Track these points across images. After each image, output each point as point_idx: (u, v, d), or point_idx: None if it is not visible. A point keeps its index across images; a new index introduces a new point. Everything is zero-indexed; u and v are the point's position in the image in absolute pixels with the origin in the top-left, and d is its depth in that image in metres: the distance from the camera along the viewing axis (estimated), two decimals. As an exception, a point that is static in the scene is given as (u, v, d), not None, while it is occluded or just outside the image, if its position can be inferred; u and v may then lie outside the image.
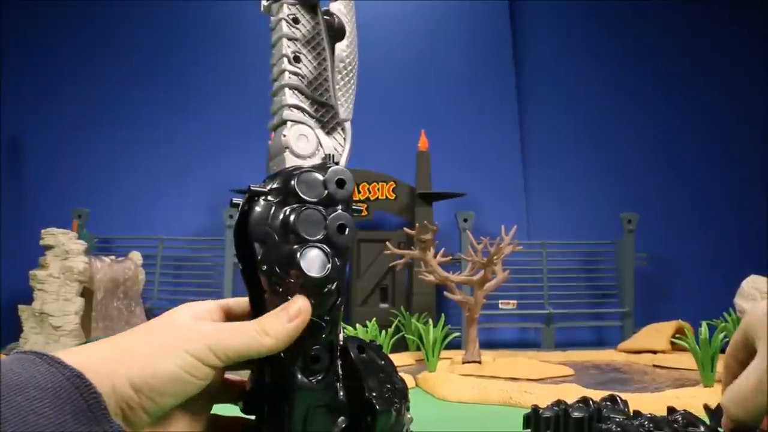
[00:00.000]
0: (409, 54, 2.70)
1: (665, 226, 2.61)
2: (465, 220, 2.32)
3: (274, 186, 0.36)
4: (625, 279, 2.40)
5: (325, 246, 0.35)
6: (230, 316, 0.38)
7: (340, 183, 0.37)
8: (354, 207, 0.38)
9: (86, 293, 1.95)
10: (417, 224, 1.91)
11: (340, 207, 0.37)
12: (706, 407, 0.51)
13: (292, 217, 0.35)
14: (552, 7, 2.79)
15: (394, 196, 2.36)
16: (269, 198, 0.36)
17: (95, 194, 2.45)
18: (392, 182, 2.36)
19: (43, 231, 1.93)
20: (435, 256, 1.85)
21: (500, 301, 2.28)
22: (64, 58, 2.57)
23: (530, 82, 2.75)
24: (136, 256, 2.15)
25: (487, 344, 2.32)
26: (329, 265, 0.35)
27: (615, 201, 2.55)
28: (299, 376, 0.34)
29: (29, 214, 2.42)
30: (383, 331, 1.80)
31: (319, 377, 0.35)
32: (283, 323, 0.33)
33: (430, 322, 1.90)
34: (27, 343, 1.87)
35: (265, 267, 0.34)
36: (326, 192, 0.36)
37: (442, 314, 1.97)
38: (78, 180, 2.49)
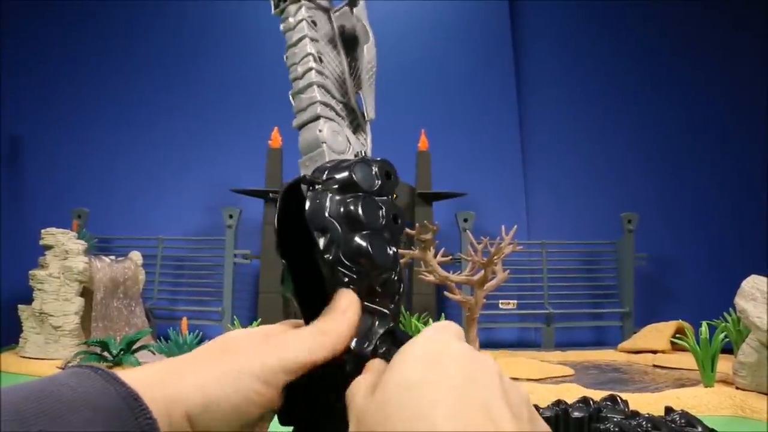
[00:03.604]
0: (410, 54, 2.70)
1: (665, 226, 2.61)
2: (465, 220, 2.32)
3: (329, 176, 0.35)
4: (625, 279, 2.40)
5: (387, 234, 0.35)
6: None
7: (388, 175, 0.37)
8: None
9: (86, 293, 1.95)
10: (417, 224, 1.90)
11: (388, 198, 0.37)
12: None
13: (353, 207, 0.34)
14: (552, 8, 2.79)
15: (394, 195, 2.35)
16: (324, 187, 0.35)
17: (95, 194, 2.45)
18: (392, 182, 2.35)
19: (42, 231, 1.93)
20: (435, 255, 1.84)
21: (500, 301, 2.28)
22: (63, 58, 2.57)
23: (530, 82, 2.75)
24: (136, 256, 2.15)
25: (488, 344, 2.32)
26: (392, 253, 0.35)
27: (615, 201, 2.55)
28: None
29: (29, 214, 2.41)
30: (383, 331, 1.79)
31: None
32: (336, 318, 0.31)
33: (431, 322, 1.89)
34: (27, 343, 1.86)
35: (329, 257, 0.33)
36: (378, 182, 0.36)
37: (442, 314, 1.96)
38: (78, 180, 2.49)
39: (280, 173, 2.28)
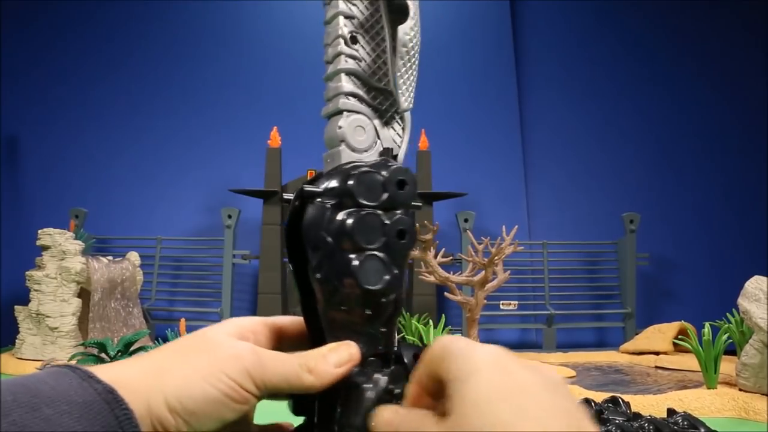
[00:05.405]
0: (409, 53, 2.68)
1: (667, 226, 2.60)
2: (465, 220, 2.30)
3: (329, 186, 0.33)
4: (626, 279, 2.39)
5: (383, 254, 0.33)
6: (282, 337, 0.36)
7: (401, 184, 0.34)
8: (413, 203, 0.35)
9: (83, 294, 1.94)
10: (417, 224, 1.89)
11: (400, 211, 0.34)
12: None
13: (348, 223, 0.32)
14: (553, 7, 2.78)
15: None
16: (323, 200, 0.33)
17: (93, 194, 2.44)
18: (392, 182, 2.34)
19: (39, 231, 1.91)
20: (435, 256, 1.83)
21: (501, 302, 2.27)
22: (61, 57, 2.56)
23: (531, 81, 2.74)
24: (133, 257, 2.14)
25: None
26: (387, 276, 0.33)
27: (616, 201, 2.54)
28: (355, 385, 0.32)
29: (26, 214, 2.40)
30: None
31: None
32: (329, 366, 0.31)
33: (431, 323, 1.88)
34: (23, 345, 1.85)
35: (320, 275, 0.32)
36: (386, 195, 0.34)
37: (443, 315, 1.95)
38: (75, 180, 2.48)
39: (280, 173, 2.26)
